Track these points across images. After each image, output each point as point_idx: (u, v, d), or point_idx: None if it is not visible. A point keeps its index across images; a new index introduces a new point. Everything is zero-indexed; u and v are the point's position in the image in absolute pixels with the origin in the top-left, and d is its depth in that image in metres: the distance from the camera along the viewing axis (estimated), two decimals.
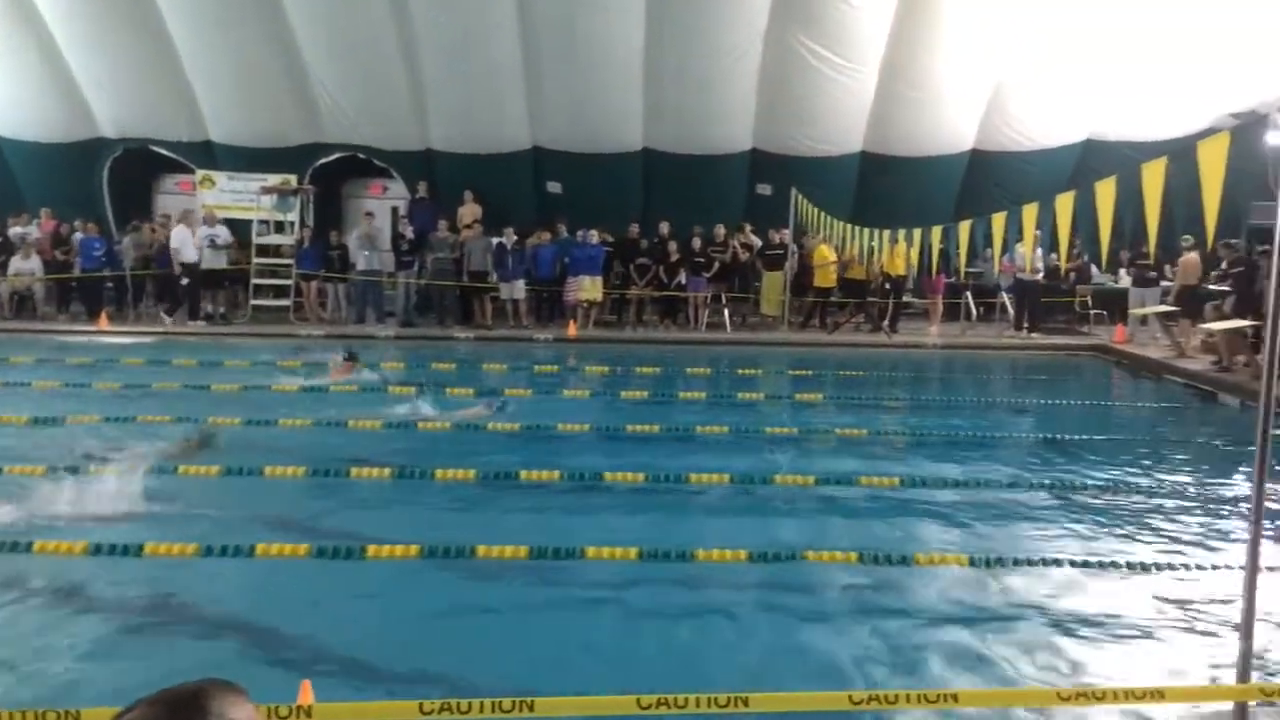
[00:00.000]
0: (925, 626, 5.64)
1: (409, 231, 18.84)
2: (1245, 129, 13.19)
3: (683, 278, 18.53)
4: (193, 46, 18.41)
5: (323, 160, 20.02)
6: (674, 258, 18.49)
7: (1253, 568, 3.90)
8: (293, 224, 19.39)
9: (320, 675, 4.65)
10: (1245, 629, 3.83)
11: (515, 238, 18.44)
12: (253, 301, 18.83)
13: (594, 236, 18.32)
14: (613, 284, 18.66)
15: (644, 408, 11.81)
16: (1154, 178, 5.02)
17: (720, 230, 18.94)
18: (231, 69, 18.63)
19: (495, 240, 18.50)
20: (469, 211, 19.44)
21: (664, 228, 18.82)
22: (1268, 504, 7.97)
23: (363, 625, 5.60)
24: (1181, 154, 5.10)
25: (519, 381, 13.32)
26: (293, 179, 19.52)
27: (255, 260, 18.87)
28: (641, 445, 10.07)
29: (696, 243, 18.63)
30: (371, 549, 6.59)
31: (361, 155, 20.06)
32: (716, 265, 18.67)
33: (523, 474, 8.55)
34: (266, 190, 19.29)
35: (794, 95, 18.52)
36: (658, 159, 19.52)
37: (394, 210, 20.77)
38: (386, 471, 8.53)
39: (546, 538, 6.87)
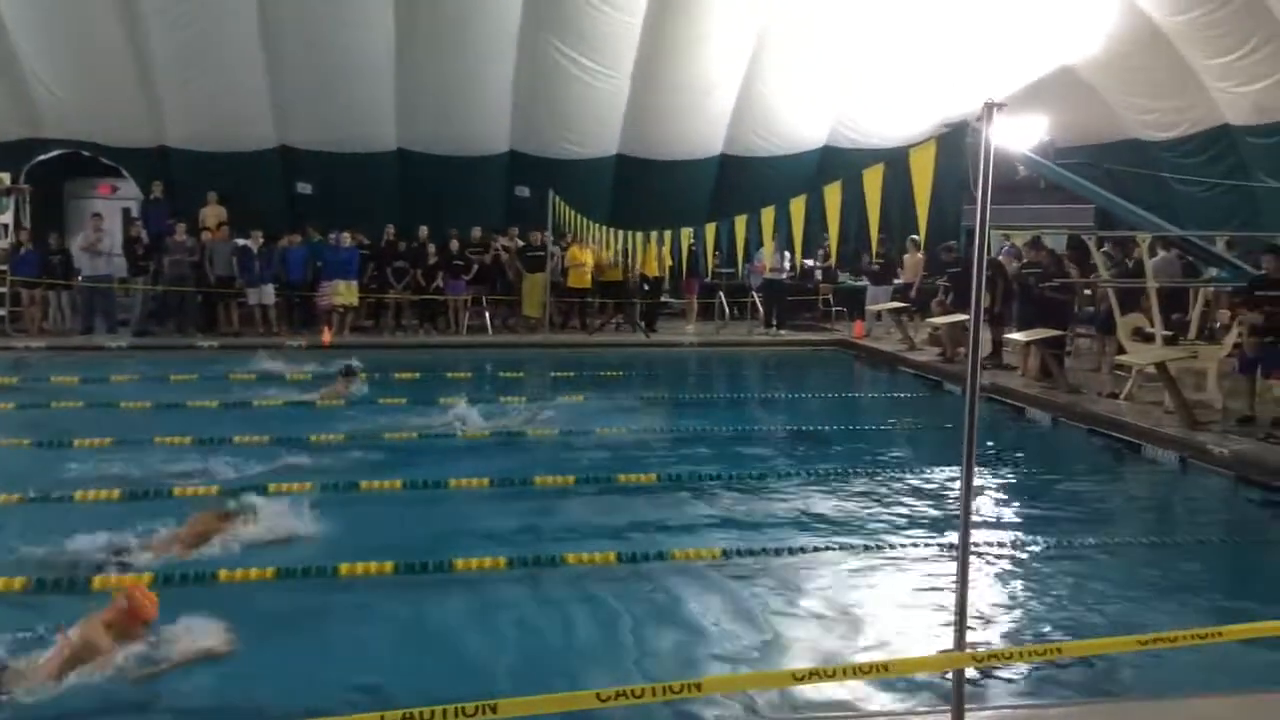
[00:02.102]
0: (676, 620, 5.78)
1: (144, 234, 17.57)
2: (951, 136, 14.39)
3: (441, 281, 18.23)
4: None
5: (41, 157, 18.33)
6: (432, 260, 18.16)
7: (964, 544, 4.21)
8: (6, 227, 17.67)
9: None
10: (960, 602, 4.13)
11: (263, 240, 17.56)
12: None
13: (346, 239, 17.70)
14: (369, 288, 18.11)
15: (403, 414, 11.52)
16: (873, 182, 5.39)
17: (476, 232, 18.75)
18: None
19: (241, 243, 17.56)
20: (212, 213, 18.34)
21: (422, 230, 18.44)
22: (980, 484, 8.76)
23: None
24: (898, 160, 5.48)
25: (270, 390, 12.68)
26: (5, 177, 17.76)
27: None
28: (400, 452, 9.84)
29: (455, 245, 18.38)
30: (98, 580, 6.10)
31: (86, 152, 18.53)
32: (476, 268, 18.50)
33: (270, 486, 8.15)
34: None
35: (549, 98, 18.62)
36: (413, 160, 19.12)
37: (125, 212, 19.30)
38: (115, 493, 7.91)
39: (296, 556, 6.58)
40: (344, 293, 17.51)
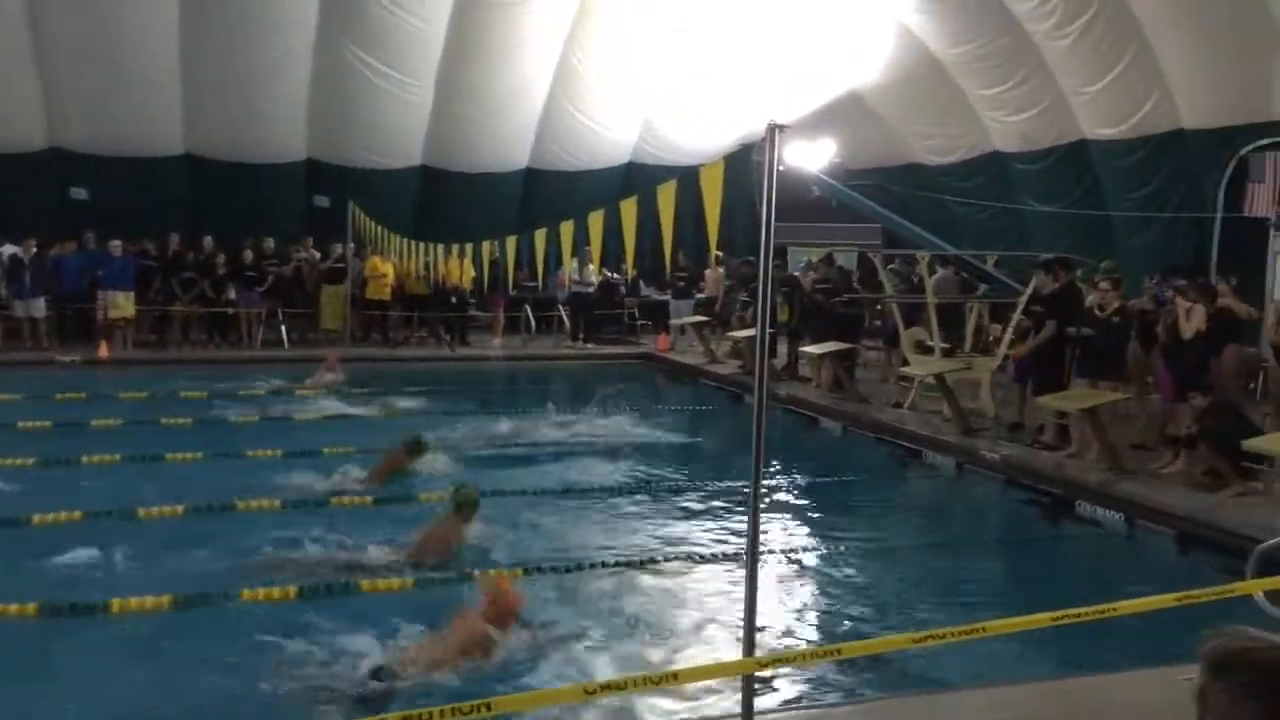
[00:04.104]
0: None
1: None
2: (739, 155, 14.90)
3: (233, 293, 17.39)
4: None
5: None
6: (222, 271, 17.30)
7: (753, 551, 4.31)
8: None
9: None
10: (749, 608, 4.23)
11: (35, 249, 16.26)
12: None
13: (118, 247, 16.49)
14: (153, 300, 17.06)
15: (188, 434, 10.92)
16: (667, 198, 5.49)
17: (270, 242, 17.97)
18: None
19: (9, 251, 16.21)
20: None
21: (207, 240, 17.53)
22: (772, 492, 9.04)
23: None
24: (690, 177, 5.60)
25: (36, 411, 11.73)
26: None
27: None
28: (184, 474, 9.31)
29: (248, 255, 17.57)
30: None
31: None
32: (271, 279, 17.74)
33: (35, 518, 7.55)
34: None
35: (348, 106, 18.15)
36: (202, 165, 18.23)
37: None
38: None
39: (63, 590, 6.12)
40: (123, 305, 16.43)
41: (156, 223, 17.52)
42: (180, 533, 7.58)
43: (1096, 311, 10.19)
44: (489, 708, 3.52)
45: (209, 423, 11.74)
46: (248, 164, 18.29)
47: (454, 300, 18.87)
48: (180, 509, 7.96)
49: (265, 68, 17.08)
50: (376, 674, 5.01)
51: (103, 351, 15.76)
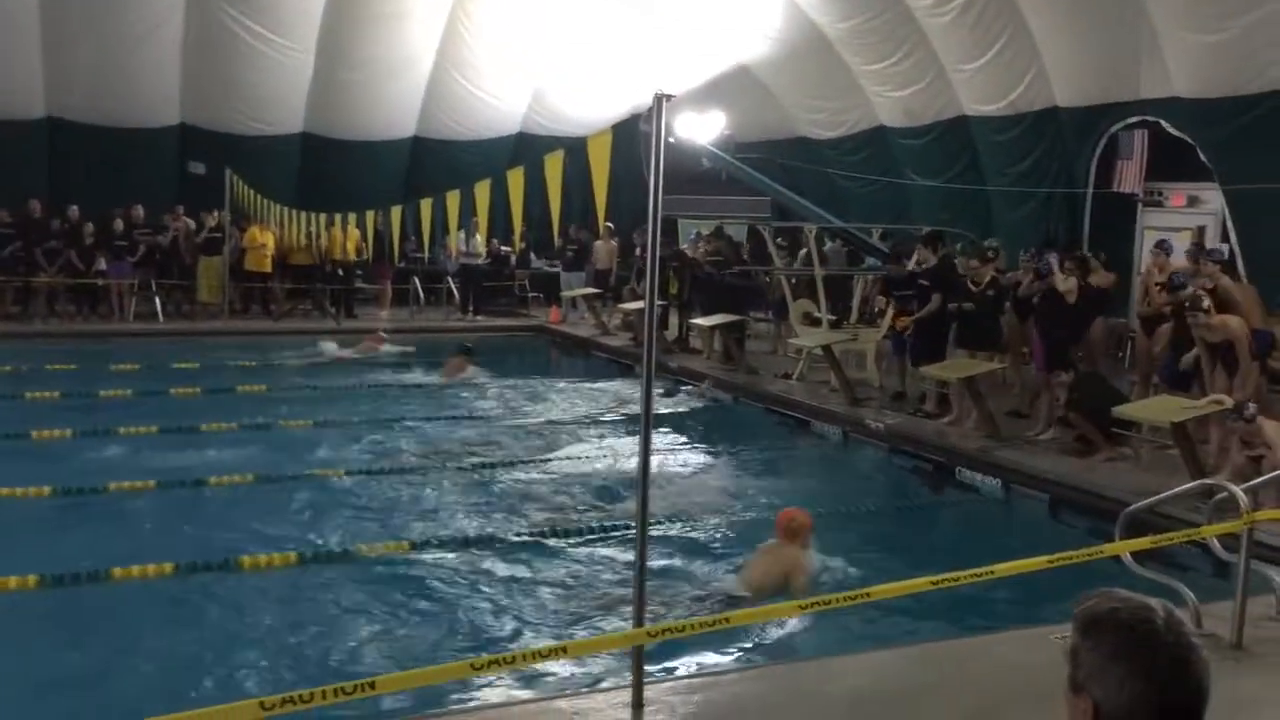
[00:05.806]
0: (353, 619, 5.59)
1: None
2: (627, 125, 14.83)
3: (103, 263, 16.60)
4: None
5: None
6: (90, 240, 16.48)
7: (642, 522, 4.31)
8: None
9: None
10: (638, 579, 4.23)
11: None
12: None
13: None
14: (15, 270, 16.18)
15: (55, 411, 10.43)
16: (554, 169, 5.41)
17: (140, 210, 17.16)
18: None
19: None
20: None
21: (73, 210, 16.65)
22: (663, 463, 9.08)
23: None
24: (578, 148, 5.53)
25: None
26: None
27: None
28: (50, 454, 8.90)
29: (119, 224, 16.77)
30: None
31: None
32: (142, 249, 16.98)
33: None
34: None
35: (224, 70, 17.43)
36: (66, 129, 17.31)
37: None
38: None
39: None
40: None
41: (15, 189, 16.58)
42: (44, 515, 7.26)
43: (971, 285, 10.47)
44: (372, 686, 3.45)
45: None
46: (116, 128, 17.43)
47: (340, 272, 18.39)
48: (47, 490, 7.60)
49: (134, 25, 16.27)
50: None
51: None
